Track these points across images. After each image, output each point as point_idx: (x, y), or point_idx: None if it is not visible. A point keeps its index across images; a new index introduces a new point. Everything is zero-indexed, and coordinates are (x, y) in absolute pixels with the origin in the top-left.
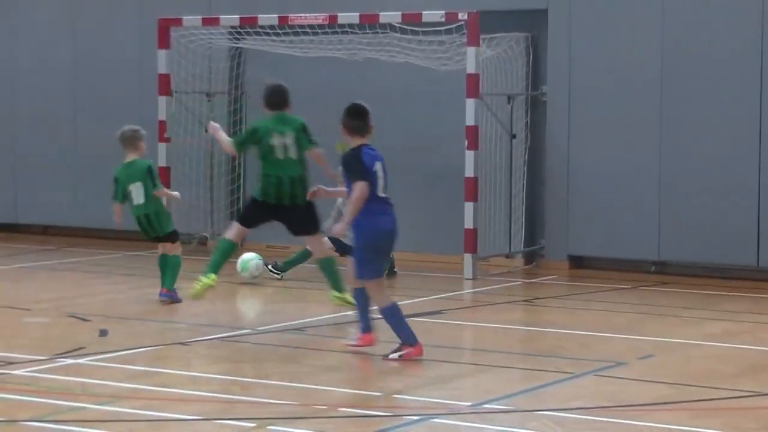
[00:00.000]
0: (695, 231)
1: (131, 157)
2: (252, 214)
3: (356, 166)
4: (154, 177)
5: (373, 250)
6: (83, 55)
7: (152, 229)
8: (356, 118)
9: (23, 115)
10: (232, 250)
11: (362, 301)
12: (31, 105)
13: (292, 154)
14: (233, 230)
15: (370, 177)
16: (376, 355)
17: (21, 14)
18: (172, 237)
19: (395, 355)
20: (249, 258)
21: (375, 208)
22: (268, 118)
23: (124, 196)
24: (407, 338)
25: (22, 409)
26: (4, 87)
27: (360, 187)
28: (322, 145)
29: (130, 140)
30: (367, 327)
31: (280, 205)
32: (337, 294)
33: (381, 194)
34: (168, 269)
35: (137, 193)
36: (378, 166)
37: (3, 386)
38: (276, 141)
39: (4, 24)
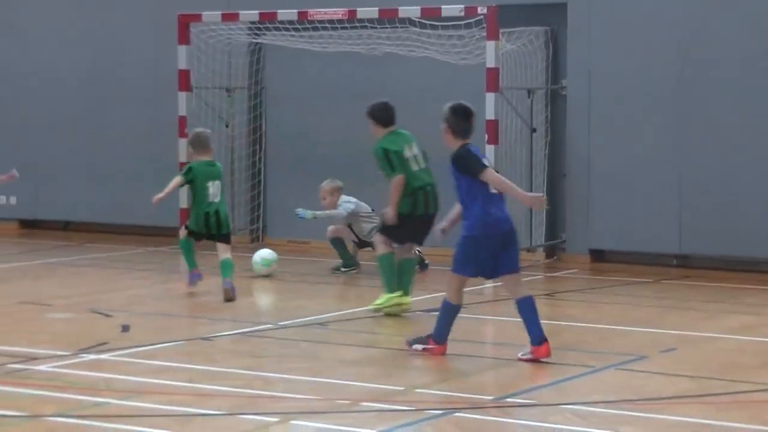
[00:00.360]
0: (716, 224)
1: (206, 157)
2: (407, 230)
3: (471, 159)
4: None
5: (474, 245)
6: (101, 52)
7: (219, 225)
8: (465, 121)
9: (43, 112)
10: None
11: (528, 310)
12: (50, 102)
13: (422, 162)
14: (403, 249)
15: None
16: (399, 350)
17: (39, 11)
18: (228, 237)
19: (419, 347)
20: (256, 261)
21: (487, 202)
22: (389, 136)
23: (190, 183)
24: (440, 335)
25: (46, 404)
26: (23, 84)
27: (491, 173)
28: (339, 141)
29: (206, 141)
30: (538, 337)
31: (427, 214)
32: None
33: (493, 190)
34: (228, 268)
35: (216, 190)
36: (486, 161)
37: (26, 382)
38: (408, 153)
39: (21, 22)
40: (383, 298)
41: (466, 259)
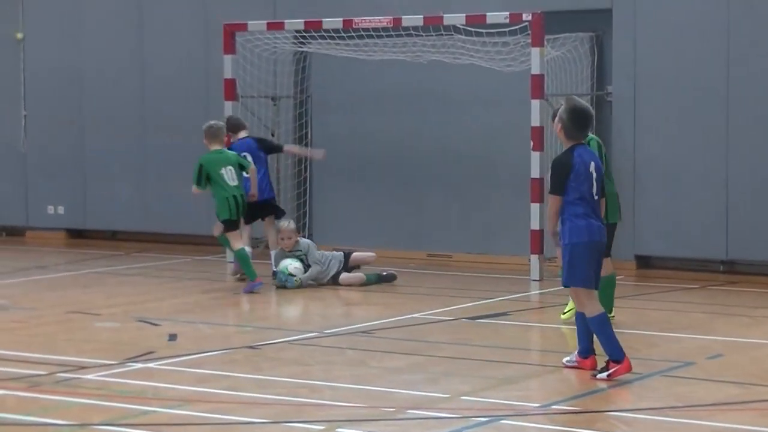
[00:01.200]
0: (763, 229)
1: (216, 147)
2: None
3: (556, 174)
4: (245, 160)
5: (582, 252)
6: (149, 62)
7: (244, 208)
8: (581, 125)
9: (91, 121)
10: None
11: (584, 322)
12: (98, 111)
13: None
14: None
15: (575, 182)
16: (444, 357)
17: (87, 22)
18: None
19: (603, 375)
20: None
21: (588, 210)
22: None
23: (207, 180)
24: (614, 353)
25: (94, 413)
26: (72, 94)
27: (553, 200)
28: (385, 148)
29: (219, 132)
30: (586, 350)
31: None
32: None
33: (595, 196)
34: (247, 262)
35: (230, 175)
36: (593, 167)
37: (75, 390)
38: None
39: (74, 32)
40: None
41: (577, 268)
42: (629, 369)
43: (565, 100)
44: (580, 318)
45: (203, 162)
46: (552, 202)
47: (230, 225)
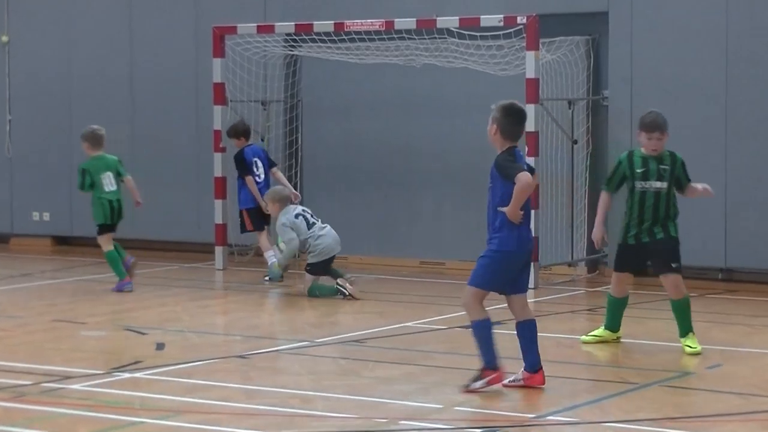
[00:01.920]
0: (763, 238)
1: (97, 152)
2: (626, 259)
3: (509, 161)
4: (123, 168)
5: (505, 261)
6: (140, 65)
7: (120, 213)
8: (517, 123)
9: (80, 125)
10: (623, 303)
11: (530, 334)
12: (88, 115)
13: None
14: (612, 283)
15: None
16: (437, 367)
17: (79, 24)
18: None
19: (478, 384)
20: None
21: (524, 218)
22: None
23: (92, 186)
24: (492, 361)
25: (80, 424)
26: (62, 97)
27: (525, 176)
28: (376, 153)
29: (100, 139)
30: (535, 363)
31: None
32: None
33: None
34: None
35: (109, 181)
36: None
37: (61, 401)
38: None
39: (62, 35)
40: (598, 331)
41: (490, 273)
42: (502, 379)
43: (495, 104)
44: (524, 330)
45: (86, 167)
46: (525, 180)
47: (104, 229)
